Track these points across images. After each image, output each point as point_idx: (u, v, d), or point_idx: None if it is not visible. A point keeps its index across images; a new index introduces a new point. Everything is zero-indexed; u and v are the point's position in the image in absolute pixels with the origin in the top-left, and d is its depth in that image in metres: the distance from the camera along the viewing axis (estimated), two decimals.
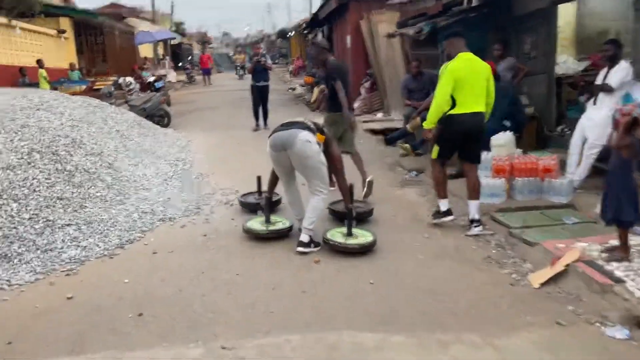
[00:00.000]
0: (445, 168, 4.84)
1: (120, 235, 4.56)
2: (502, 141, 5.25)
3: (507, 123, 5.73)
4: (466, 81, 4.43)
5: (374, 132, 9.98)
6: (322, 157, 4.28)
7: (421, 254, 4.20)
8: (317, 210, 4.30)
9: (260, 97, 10.48)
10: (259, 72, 10.48)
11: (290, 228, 4.52)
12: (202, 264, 3.98)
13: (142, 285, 3.65)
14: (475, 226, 4.55)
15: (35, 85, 12.95)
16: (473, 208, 4.60)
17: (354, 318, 3.16)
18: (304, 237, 4.21)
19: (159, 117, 11.10)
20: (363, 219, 4.91)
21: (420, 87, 7.76)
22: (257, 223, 4.58)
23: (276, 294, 3.47)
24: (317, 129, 4.37)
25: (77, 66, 15.90)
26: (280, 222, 4.64)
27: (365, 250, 4.16)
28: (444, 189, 4.80)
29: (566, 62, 8.22)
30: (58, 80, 14.35)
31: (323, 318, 3.16)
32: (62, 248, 4.25)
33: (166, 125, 11.05)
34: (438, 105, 4.48)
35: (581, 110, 7.87)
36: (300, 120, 4.43)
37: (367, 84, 12.88)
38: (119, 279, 3.76)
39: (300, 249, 4.17)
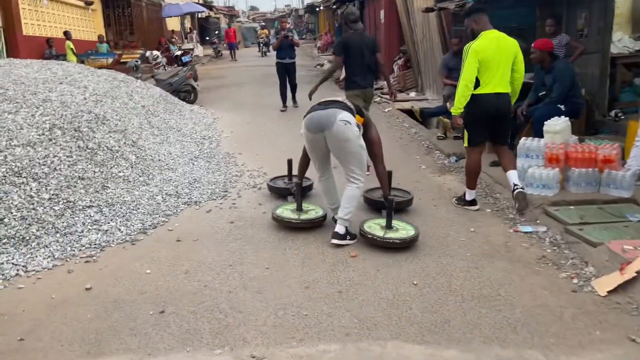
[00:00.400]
0: (481, 158, 4.68)
1: (143, 219, 4.29)
2: (558, 127, 4.76)
3: (562, 107, 5.22)
4: (491, 61, 4.26)
5: (408, 112, 9.51)
6: (362, 141, 3.92)
7: (468, 251, 3.82)
8: (354, 200, 3.94)
9: (287, 74, 9.97)
10: (285, 49, 9.89)
11: (324, 217, 4.18)
12: (228, 256, 3.67)
13: (164, 277, 3.37)
14: (517, 188, 4.42)
15: (62, 57, 12.80)
16: (514, 176, 4.49)
17: (399, 326, 2.81)
18: (340, 229, 3.87)
19: (185, 92, 10.82)
20: (402, 208, 4.54)
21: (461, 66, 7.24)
22: (287, 211, 4.25)
23: (310, 295, 3.14)
24: (356, 110, 3.99)
25: (105, 38, 15.69)
26: (312, 210, 4.30)
27: (406, 246, 3.80)
28: (474, 180, 4.69)
29: (621, 41, 7.58)
30: (85, 52, 14.18)
31: (363, 325, 2.82)
32: (82, 232, 4.01)
33: (193, 102, 10.77)
34: (464, 88, 4.32)
35: (636, 93, 7.33)
36: (339, 99, 4.05)
37: (400, 61, 12.33)
38: (140, 269, 3.49)
39: (335, 241, 3.84)
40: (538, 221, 4.33)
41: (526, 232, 4.14)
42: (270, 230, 4.13)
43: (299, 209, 4.21)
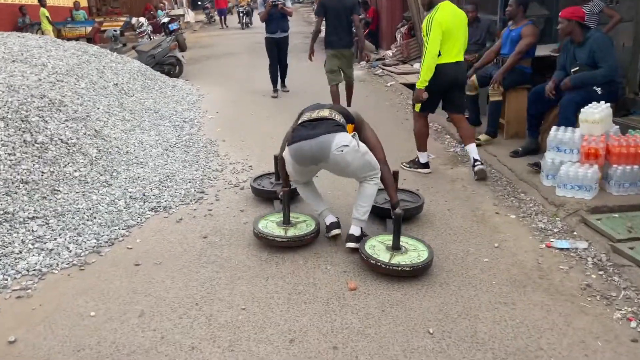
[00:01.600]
0: (427, 121, 4.92)
1: (98, 233, 3.55)
2: (598, 116, 3.96)
3: (599, 90, 4.39)
4: (452, 31, 4.42)
5: (412, 87, 8.63)
6: (363, 147, 3.25)
7: (494, 277, 3.09)
8: (372, 199, 3.39)
9: (277, 52, 8.17)
10: (276, 20, 7.96)
11: (316, 233, 3.43)
12: (196, 289, 2.94)
13: (112, 323, 2.64)
14: (477, 164, 4.57)
15: (37, 25, 11.81)
16: (474, 150, 4.64)
17: None
18: (356, 230, 3.34)
19: (170, 65, 9.93)
20: (410, 217, 3.79)
21: (476, 37, 6.38)
22: (272, 223, 3.49)
23: (295, 353, 2.42)
24: (346, 118, 3.38)
25: (80, 5, 14.58)
26: (303, 222, 3.55)
27: (418, 274, 3.07)
28: (425, 143, 4.89)
29: None
30: (63, 21, 13.15)
31: None
32: (20, 252, 3.26)
33: (178, 75, 9.90)
34: (431, 60, 4.38)
35: None
36: (325, 113, 3.34)
37: (403, 29, 11.35)
38: (84, 310, 2.76)
39: (351, 244, 3.30)
40: (575, 233, 3.59)
41: (562, 249, 3.41)
42: (250, 249, 3.39)
43: (287, 222, 3.46)
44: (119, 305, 2.78)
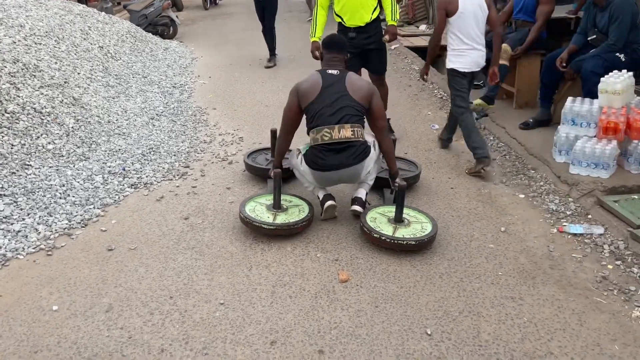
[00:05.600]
0: None
1: (71, 213, 3.27)
2: (619, 86, 3.58)
3: (622, 56, 4.00)
4: None
5: (417, 50, 8.18)
6: (377, 154, 3.25)
7: (500, 266, 2.81)
8: (378, 163, 3.32)
9: (262, 14, 7.21)
10: None
11: (309, 221, 3.10)
12: (171, 280, 2.67)
13: (76, 319, 2.39)
14: None
15: None
16: None
17: None
18: (362, 193, 3.22)
19: (162, 25, 9.43)
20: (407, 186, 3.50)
21: None
22: (261, 207, 3.17)
23: (276, 357, 2.16)
24: (362, 112, 3.12)
25: None
26: (295, 206, 3.22)
27: (423, 247, 2.90)
28: None
29: None
30: None
31: None
32: None
33: (171, 37, 9.42)
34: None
35: None
36: (348, 133, 3.01)
37: None
38: (47, 303, 2.50)
39: (356, 208, 3.17)
40: (590, 217, 3.29)
41: (575, 235, 3.12)
42: (234, 233, 3.10)
43: (277, 206, 3.15)
44: (85, 298, 2.52)
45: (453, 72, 3.96)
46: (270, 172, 3.31)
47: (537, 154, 4.09)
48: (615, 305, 2.52)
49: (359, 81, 3.15)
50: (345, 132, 2.98)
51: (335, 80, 3.08)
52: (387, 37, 4.18)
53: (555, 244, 3.03)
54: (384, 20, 4.27)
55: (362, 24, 4.17)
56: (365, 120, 3.16)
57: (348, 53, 3.36)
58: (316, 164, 3.05)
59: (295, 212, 3.14)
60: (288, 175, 3.60)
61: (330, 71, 3.14)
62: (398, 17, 4.24)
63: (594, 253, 2.93)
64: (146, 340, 2.25)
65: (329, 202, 3.16)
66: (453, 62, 3.93)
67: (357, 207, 3.16)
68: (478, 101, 4.97)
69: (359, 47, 4.22)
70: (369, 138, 3.19)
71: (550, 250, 2.97)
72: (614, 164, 3.60)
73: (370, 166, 3.17)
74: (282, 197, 3.21)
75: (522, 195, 3.62)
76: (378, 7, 4.21)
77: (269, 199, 3.23)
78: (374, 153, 3.16)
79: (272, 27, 7.28)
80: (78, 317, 2.40)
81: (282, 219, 3.04)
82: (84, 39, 6.10)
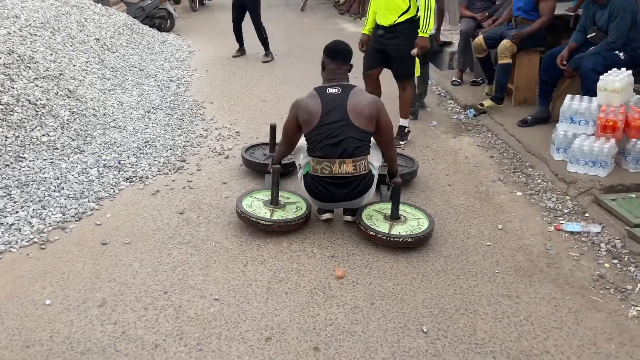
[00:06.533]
0: None
1: (65, 206, 3.23)
2: (618, 84, 3.57)
3: (621, 54, 3.98)
4: None
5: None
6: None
7: (497, 264, 2.80)
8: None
9: (240, 14, 7.13)
10: None
11: (306, 218, 3.05)
12: (166, 275, 2.65)
13: (68, 314, 2.36)
14: None
15: None
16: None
17: None
18: None
19: (160, 18, 9.35)
20: (403, 182, 3.46)
21: None
22: (259, 203, 3.13)
23: (271, 354, 2.15)
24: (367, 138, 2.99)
25: None
26: (293, 203, 3.18)
27: (419, 244, 2.88)
28: None
29: None
30: None
31: None
32: None
33: (168, 30, 9.34)
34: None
35: None
36: (350, 168, 2.88)
37: None
38: (39, 297, 2.47)
39: (348, 219, 3.17)
40: (587, 215, 3.28)
41: (572, 233, 3.11)
42: (230, 228, 3.08)
43: (274, 202, 3.10)
44: (79, 293, 2.50)
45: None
46: (269, 167, 3.28)
47: (535, 151, 4.07)
48: (612, 304, 2.51)
49: (362, 100, 2.90)
50: (347, 168, 2.86)
51: (336, 104, 2.87)
52: (414, 50, 4.07)
53: (552, 242, 3.02)
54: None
55: (387, 25, 4.10)
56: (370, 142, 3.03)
57: (351, 63, 3.13)
58: (315, 194, 2.98)
59: (292, 208, 3.10)
60: (287, 171, 3.57)
61: (330, 90, 2.91)
62: (431, 29, 4.10)
63: (591, 252, 2.93)
64: (140, 336, 2.23)
65: (326, 215, 3.16)
66: None
67: (348, 218, 3.15)
68: (488, 102, 4.99)
69: (383, 46, 4.19)
70: (371, 168, 3.04)
71: (547, 248, 2.97)
72: (612, 163, 3.59)
73: (372, 194, 3.09)
74: (280, 193, 3.17)
75: (520, 193, 3.61)
76: (412, 11, 4.04)
77: (266, 195, 3.19)
78: (375, 180, 3.05)
79: (259, 23, 7.13)
80: (71, 311, 2.37)
81: (279, 215, 3.01)
82: (80, 30, 6.05)
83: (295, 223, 2.96)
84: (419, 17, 4.03)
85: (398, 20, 4.05)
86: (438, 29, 5.67)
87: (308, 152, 2.98)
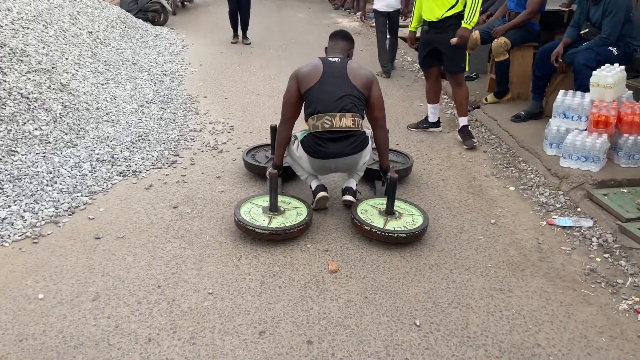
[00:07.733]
0: None
1: (58, 201, 3.22)
2: (611, 79, 3.59)
3: (614, 50, 4.00)
4: None
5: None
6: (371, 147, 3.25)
7: (490, 258, 2.82)
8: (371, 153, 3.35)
9: (237, 7, 7.76)
10: None
11: (306, 225, 2.94)
12: (159, 269, 2.65)
13: (61, 308, 2.35)
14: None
15: None
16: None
17: None
18: (353, 183, 3.23)
19: (153, 12, 9.29)
20: (399, 178, 3.46)
21: None
22: (257, 209, 3.02)
23: (264, 348, 2.15)
24: (363, 102, 3.08)
25: None
26: (293, 209, 3.08)
27: (414, 240, 2.89)
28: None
29: None
30: None
31: None
32: None
33: (162, 24, 9.29)
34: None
35: None
36: (349, 122, 2.96)
37: None
38: (32, 291, 2.46)
39: (348, 197, 3.16)
40: (579, 209, 3.30)
41: (564, 227, 3.13)
42: (224, 223, 3.08)
43: (273, 209, 3.02)
44: (72, 287, 2.49)
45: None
46: (267, 173, 3.18)
47: (528, 146, 4.09)
48: (603, 298, 2.54)
49: (360, 69, 3.08)
50: (347, 121, 2.94)
51: (336, 67, 3.03)
52: (454, 39, 4.02)
53: (544, 237, 3.04)
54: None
55: (434, 19, 4.09)
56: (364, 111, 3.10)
57: (352, 46, 3.28)
58: (314, 151, 3.00)
59: (292, 214, 3.01)
60: (289, 174, 3.49)
61: (331, 58, 3.09)
62: (475, 22, 4.04)
63: (582, 246, 2.95)
64: (133, 330, 2.23)
65: (322, 193, 3.13)
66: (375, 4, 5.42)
67: (349, 197, 3.14)
68: (492, 98, 5.03)
69: (430, 43, 4.19)
70: (367, 131, 3.16)
71: (540, 242, 2.99)
72: (604, 158, 3.61)
73: (367, 157, 3.15)
74: (281, 198, 3.13)
75: (513, 188, 3.63)
76: (459, 6, 4.03)
77: (266, 201, 3.08)
78: (370, 145, 3.15)
79: (247, 19, 7.96)
80: (64, 305, 2.37)
81: (278, 222, 2.91)
82: (73, 24, 6.00)
83: (294, 231, 2.83)
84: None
85: (445, 15, 4.04)
86: None
87: (306, 111, 3.03)
